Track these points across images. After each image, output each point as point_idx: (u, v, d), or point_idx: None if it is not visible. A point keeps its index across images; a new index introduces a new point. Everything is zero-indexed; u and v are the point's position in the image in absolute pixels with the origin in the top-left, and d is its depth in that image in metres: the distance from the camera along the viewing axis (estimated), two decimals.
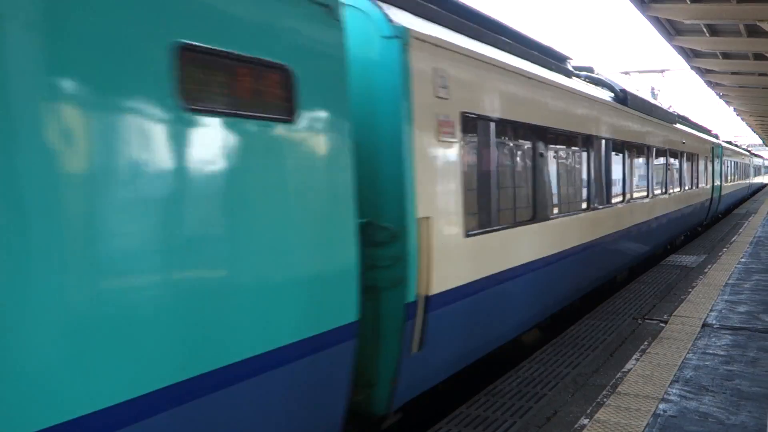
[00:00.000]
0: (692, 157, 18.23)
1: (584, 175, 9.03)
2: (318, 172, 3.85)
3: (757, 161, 56.70)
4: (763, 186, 67.68)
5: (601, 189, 9.67)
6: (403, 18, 4.95)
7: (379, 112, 4.73)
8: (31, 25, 2.40)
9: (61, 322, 2.51)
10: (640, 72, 26.27)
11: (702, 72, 20.86)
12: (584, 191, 9.06)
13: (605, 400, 5.62)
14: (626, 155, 11.11)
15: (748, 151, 48.19)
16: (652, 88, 23.20)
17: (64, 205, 2.51)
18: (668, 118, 15.48)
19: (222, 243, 3.19)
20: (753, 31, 14.61)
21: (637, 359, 6.76)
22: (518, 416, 5.31)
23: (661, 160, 14.21)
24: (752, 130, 53.21)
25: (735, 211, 30.62)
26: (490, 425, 5.14)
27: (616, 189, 10.59)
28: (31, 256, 2.41)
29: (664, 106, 16.27)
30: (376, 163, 4.71)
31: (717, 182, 23.71)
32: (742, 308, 9.13)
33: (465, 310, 5.58)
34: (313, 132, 3.81)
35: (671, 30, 15.54)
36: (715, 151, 23.62)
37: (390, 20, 4.75)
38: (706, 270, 12.45)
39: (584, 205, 9.01)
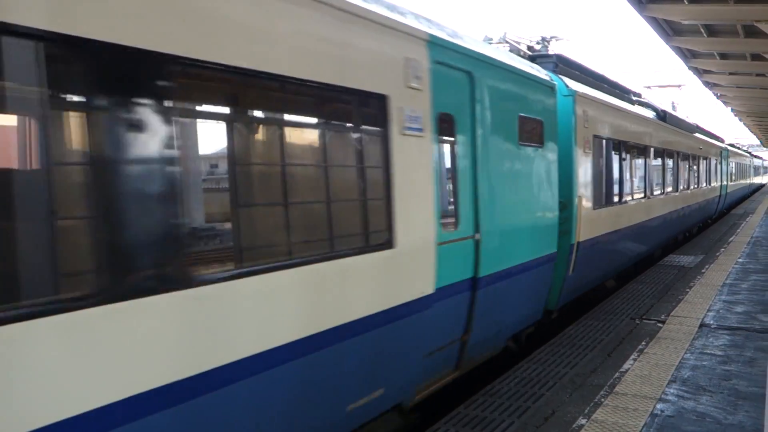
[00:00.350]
0: (707, 160, 22.19)
1: (648, 172, 13.28)
2: (547, 171, 7.68)
3: (756, 162, 57.99)
4: (761, 186, 68.15)
5: (666, 181, 14.93)
6: (569, 82, 9.06)
7: (561, 137, 8.19)
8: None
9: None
10: (660, 87, 31.34)
11: (700, 72, 20.89)
12: (650, 183, 13.42)
13: (603, 400, 5.63)
14: (665, 159, 15.14)
15: (749, 153, 51.29)
16: (673, 103, 27.42)
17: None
18: (689, 128, 19.87)
19: (528, 204, 7.24)
20: (750, 32, 14.63)
21: (635, 359, 6.78)
22: (516, 416, 5.32)
23: (687, 162, 18.29)
24: (749, 130, 53.29)
25: (733, 212, 30.70)
26: (488, 425, 5.15)
27: (665, 183, 15.14)
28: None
29: (682, 117, 21.01)
30: (560, 165, 8.09)
31: (724, 182, 27.76)
32: (739, 308, 9.15)
33: (594, 252, 9.43)
34: (547, 151, 7.65)
35: (669, 30, 15.55)
36: (723, 154, 27.60)
37: (567, 86, 8.78)
38: (703, 270, 12.47)
39: (648, 193, 13.34)
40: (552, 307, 8.37)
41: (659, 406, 5.48)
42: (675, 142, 16.20)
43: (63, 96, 2.92)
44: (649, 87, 28.94)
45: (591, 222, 9.10)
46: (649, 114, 14.27)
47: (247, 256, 3.91)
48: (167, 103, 3.13)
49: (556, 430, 5.05)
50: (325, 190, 4.44)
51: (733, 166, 32.72)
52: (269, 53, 3.76)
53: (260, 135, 4.25)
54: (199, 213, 3.92)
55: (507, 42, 9.39)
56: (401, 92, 4.83)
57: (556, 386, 6.01)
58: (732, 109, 34.59)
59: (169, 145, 3.12)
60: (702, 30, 14.97)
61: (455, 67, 5.70)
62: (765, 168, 75.17)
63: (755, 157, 59.85)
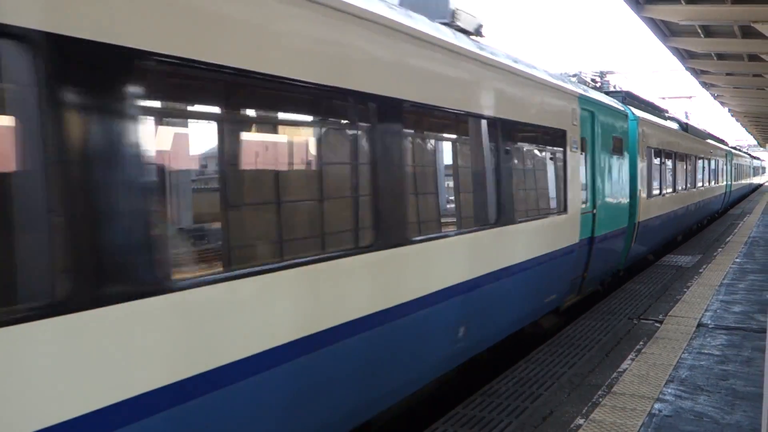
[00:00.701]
0: (716, 162, 26.31)
1: (676, 173, 16.84)
2: (624, 172, 11.12)
3: (756, 163, 59.96)
4: (759, 186, 68.80)
5: (688, 179, 18.72)
6: (635, 110, 12.74)
7: (630, 149, 11.65)
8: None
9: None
10: (673, 98, 36.55)
11: (697, 73, 20.94)
12: (678, 181, 17.07)
13: (601, 399, 5.64)
14: (687, 162, 18.84)
15: (749, 154, 55.68)
16: (686, 112, 32.05)
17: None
18: (703, 136, 24.50)
19: (617, 194, 10.75)
20: (747, 33, 14.68)
21: (633, 359, 6.79)
22: (514, 416, 5.32)
23: (701, 164, 21.86)
24: (747, 130, 53.38)
25: (730, 212, 30.80)
26: (486, 425, 5.16)
27: (687, 181, 18.78)
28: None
29: (692, 124, 24.88)
30: (630, 168, 11.54)
31: (728, 181, 31.73)
32: (737, 308, 9.16)
33: (647, 229, 13.04)
34: (624, 158, 11.11)
35: (666, 31, 15.59)
36: (728, 157, 31.56)
37: (633, 112, 12.36)
38: (701, 270, 12.49)
39: (678, 188, 17.00)
40: (620, 267, 11.85)
41: (657, 405, 5.49)
42: (694, 148, 20.24)
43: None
44: (663, 98, 33.21)
45: (645, 208, 12.83)
46: (675, 126, 18.58)
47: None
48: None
49: (554, 430, 5.05)
50: (545, 182, 7.96)
51: (736, 167, 37.33)
52: (509, 108, 6.68)
53: (513, 157, 6.90)
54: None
55: (583, 79, 13.26)
56: (570, 128, 8.48)
57: (554, 386, 6.02)
58: (729, 110, 34.67)
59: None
60: (699, 31, 15.00)
61: (587, 110, 9.35)
62: (763, 168, 76.05)
63: (754, 158, 61.30)
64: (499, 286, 6.41)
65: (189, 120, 3.50)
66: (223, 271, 3.37)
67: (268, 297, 3.59)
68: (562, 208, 8.15)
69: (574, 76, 12.57)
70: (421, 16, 5.43)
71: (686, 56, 18.40)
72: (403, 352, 4.92)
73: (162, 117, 3.19)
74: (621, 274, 12.02)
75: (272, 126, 4.12)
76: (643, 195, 12.53)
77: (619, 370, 6.44)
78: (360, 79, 4.34)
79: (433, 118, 5.54)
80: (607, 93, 12.71)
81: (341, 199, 4.40)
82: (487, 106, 6.15)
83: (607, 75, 14.95)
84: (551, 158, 8.07)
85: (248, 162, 3.72)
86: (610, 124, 10.36)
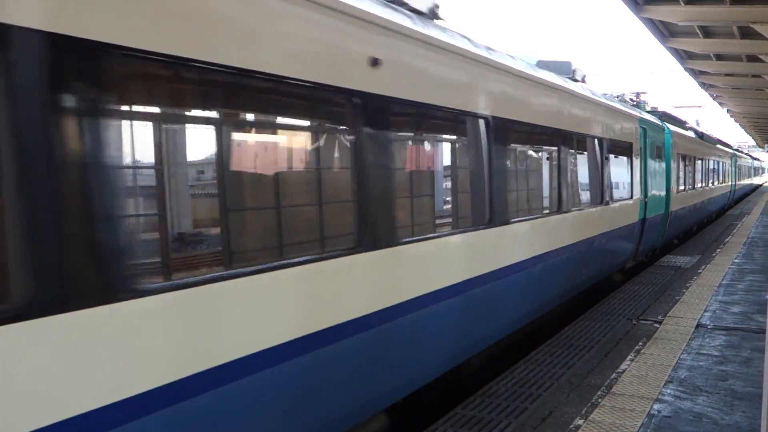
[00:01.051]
0: (723, 164, 30.61)
1: (695, 173, 20.53)
2: (662, 172, 14.96)
3: (756, 164, 61.74)
4: (758, 186, 69.34)
5: (703, 179, 22.47)
6: (668, 125, 16.64)
7: (666, 155, 15.43)
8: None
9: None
10: (687, 107, 41.06)
11: (696, 73, 20.96)
12: (696, 180, 20.78)
13: (600, 400, 5.64)
14: (703, 164, 22.62)
15: (749, 155, 59.56)
16: (697, 120, 34.76)
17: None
18: (713, 141, 27.98)
19: (658, 188, 14.49)
20: (746, 33, 14.69)
21: (632, 360, 6.78)
22: (513, 417, 5.32)
23: (712, 166, 25.84)
24: (746, 131, 53.42)
25: (729, 212, 30.83)
26: (486, 426, 5.15)
27: (703, 180, 22.66)
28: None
29: (701, 130, 28.35)
30: (666, 169, 15.34)
31: (733, 181, 36.36)
32: (735, 309, 9.17)
33: (676, 218, 16.54)
34: (663, 162, 15.07)
35: (665, 32, 15.60)
36: (733, 160, 36.15)
37: (668, 127, 16.22)
38: (700, 271, 12.50)
39: (697, 186, 20.79)
40: (657, 245, 15.32)
41: (656, 406, 5.49)
42: (707, 152, 24.10)
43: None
44: (676, 107, 37.47)
45: (675, 200, 16.33)
46: (693, 135, 22.08)
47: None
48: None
49: (553, 430, 5.05)
50: (624, 177, 11.46)
51: (739, 168, 42.51)
52: (610, 131, 10.51)
53: (611, 162, 10.46)
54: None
55: (623, 99, 16.41)
56: (634, 140, 12.05)
57: (553, 387, 6.01)
58: (728, 110, 34.69)
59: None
60: (698, 31, 15.02)
61: (642, 127, 12.84)
62: (762, 169, 76.72)
63: (754, 158, 62.75)
64: (604, 242, 10.17)
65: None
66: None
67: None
68: (630, 195, 11.86)
69: (618, 96, 15.99)
70: (553, 74, 8.56)
71: (685, 57, 18.42)
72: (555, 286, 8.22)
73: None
74: (657, 252, 15.72)
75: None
76: (674, 190, 16.23)
77: (618, 370, 6.44)
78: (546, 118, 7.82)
79: (581, 141, 9.22)
80: (649, 112, 16.87)
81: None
82: (602, 131, 9.99)
83: (641, 95, 19.56)
84: (626, 162, 11.72)
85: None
86: (654, 136, 14.08)
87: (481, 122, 6.07)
